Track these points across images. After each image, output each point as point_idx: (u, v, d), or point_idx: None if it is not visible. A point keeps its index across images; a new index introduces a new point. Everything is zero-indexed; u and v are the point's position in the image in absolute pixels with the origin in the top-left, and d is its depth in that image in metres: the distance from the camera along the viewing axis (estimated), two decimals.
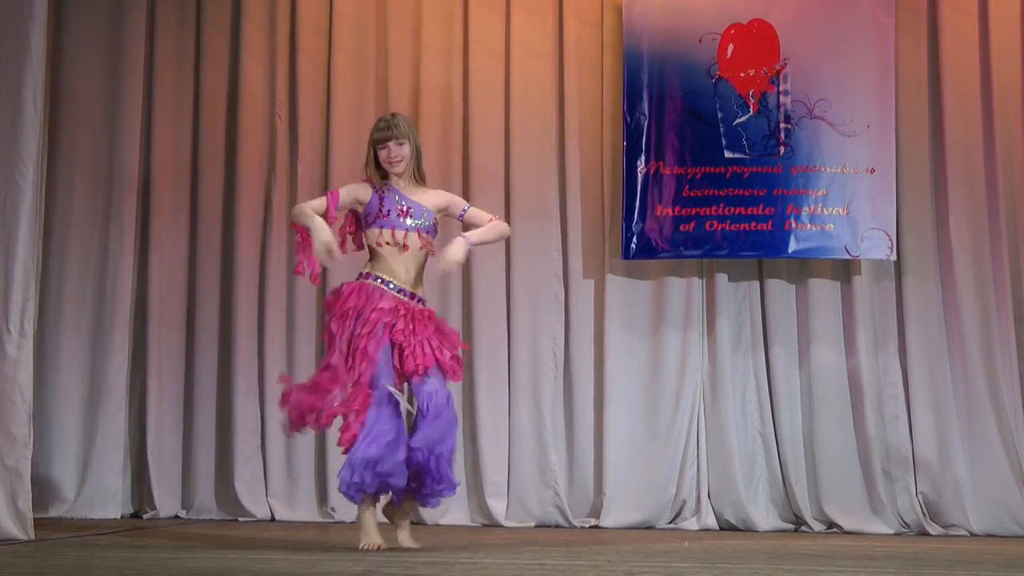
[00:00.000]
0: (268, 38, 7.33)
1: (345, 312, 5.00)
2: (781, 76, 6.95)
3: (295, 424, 4.98)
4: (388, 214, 5.08)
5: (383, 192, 5.13)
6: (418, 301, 5.13)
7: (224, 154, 7.33)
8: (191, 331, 7.28)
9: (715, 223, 6.90)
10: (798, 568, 4.50)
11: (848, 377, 6.91)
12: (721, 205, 6.90)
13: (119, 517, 6.97)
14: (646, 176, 6.98)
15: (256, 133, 7.30)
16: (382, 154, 5.14)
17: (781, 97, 6.93)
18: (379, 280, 5.06)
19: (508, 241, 7.10)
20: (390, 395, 4.93)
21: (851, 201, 6.85)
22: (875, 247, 6.82)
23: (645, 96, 7.00)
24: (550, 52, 7.22)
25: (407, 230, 5.10)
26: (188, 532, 6.09)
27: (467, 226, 5.40)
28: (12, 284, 5.25)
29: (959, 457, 6.80)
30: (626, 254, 6.97)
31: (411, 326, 5.02)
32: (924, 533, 6.67)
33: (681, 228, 6.93)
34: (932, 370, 6.87)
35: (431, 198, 5.24)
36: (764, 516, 6.83)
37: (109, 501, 7.00)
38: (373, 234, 5.11)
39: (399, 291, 5.07)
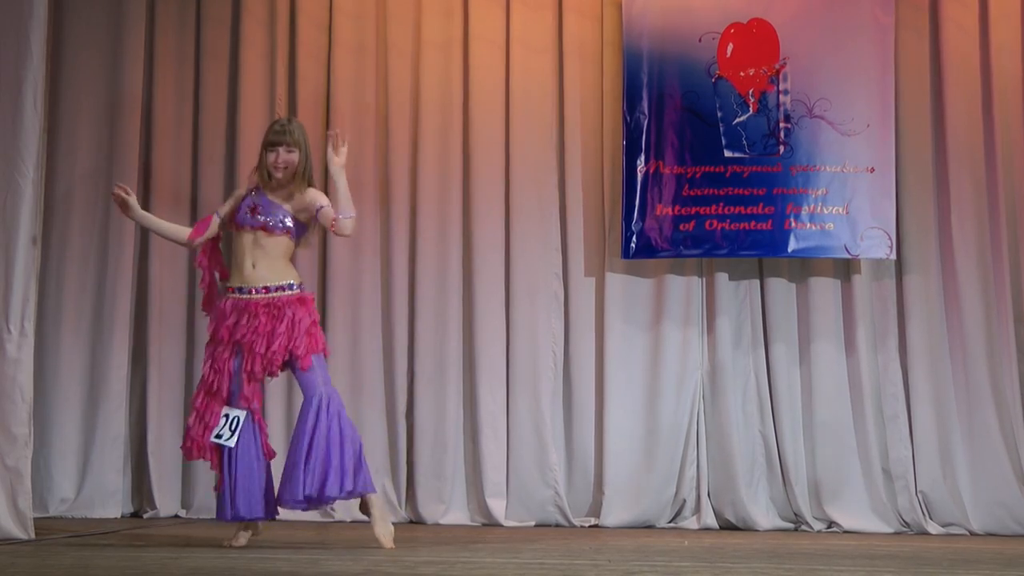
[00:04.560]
0: (268, 33, 7.33)
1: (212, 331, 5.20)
2: (781, 75, 6.95)
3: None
4: (240, 212, 5.20)
5: (252, 194, 5.23)
6: (264, 292, 5.14)
7: (224, 153, 7.34)
8: (191, 331, 7.27)
9: (715, 222, 6.90)
10: (798, 567, 4.50)
11: (848, 376, 6.91)
12: (721, 204, 6.91)
13: (119, 517, 6.97)
14: (646, 175, 6.98)
15: (256, 131, 7.26)
16: (270, 157, 5.18)
17: (781, 96, 6.93)
18: (228, 290, 5.20)
19: (507, 239, 7.12)
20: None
21: (851, 200, 6.85)
22: (875, 246, 6.82)
23: (645, 95, 7.01)
24: (550, 48, 7.22)
25: (255, 227, 5.16)
26: (188, 532, 6.09)
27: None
28: (12, 284, 5.25)
29: (959, 456, 6.80)
30: (626, 253, 6.97)
31: (252, 323, 5.09)
32: (924, 532, 6.66)
33: (681, 227, 6.93)
34: (932, 369, 6.87)
35: (297, 200, 5.21)
36: (764, 515, 6.83)
37: (109, 501, 7.00)
38: (233, 234, 5.27)
39: (238, 290, 5.15)
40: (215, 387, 5.07)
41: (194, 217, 7.31)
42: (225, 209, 5.31)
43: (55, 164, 7.04)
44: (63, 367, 7.06)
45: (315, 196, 5.23)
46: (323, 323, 7.14)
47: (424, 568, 4.24)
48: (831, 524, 6.80)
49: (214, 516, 5.21)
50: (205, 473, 7.18)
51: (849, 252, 6.83)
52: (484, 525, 6.89)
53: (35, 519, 5.34)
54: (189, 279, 7.29)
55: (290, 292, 5.16)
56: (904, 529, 6.74)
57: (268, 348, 5.05)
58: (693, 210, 6.93)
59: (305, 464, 4.95)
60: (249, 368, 5.06)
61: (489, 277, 7.10)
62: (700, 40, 7.00)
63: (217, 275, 5.33)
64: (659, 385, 7.01)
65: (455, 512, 6.95)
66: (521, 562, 4.55)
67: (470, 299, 7.10)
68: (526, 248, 7.12)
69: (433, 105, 7.22)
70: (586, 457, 7.02)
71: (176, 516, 7.11)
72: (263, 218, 5.17)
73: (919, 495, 6.78)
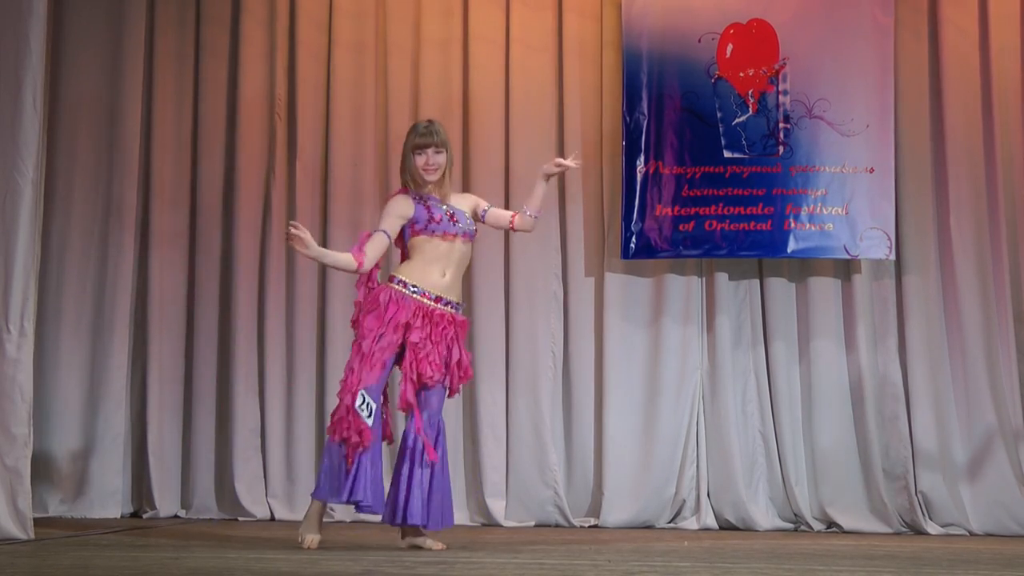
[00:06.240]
0: (267, 33, 7.34)
1: (382, 317, 5.01)
2: (780, 76, 6.95)
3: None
4: (440, 220, 5.08)
5: (427, 202, 5.12)
6: (448, 305, 5.12)
7: (224, 152, 7.34)
8: (191, 331, 7.27)
9: (714, 223, 6.90)
10: (798, 568, 4.50)
11: (848, 376, 6.91)
12: (720, 205, 6.91)
13: (119, 517, 6.97)
14: (645, 176, 6.98)
15: (256, 130, 7.30)
16: (419, 160, 5.10)
17: (780, 97, 6.94)
18: (400, 283, 5.06)
19: (507, 240, 7.11)
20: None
21: (850, 201, 6.85)
22: (874, 247, 6.82)
23: (644, 96, 7.01)
24: (550, 47, 7.22)
25: (457, 234, 5.11)
26: (188, 532, 6.09)
27: (488, 225, 5.36)
28: (12, 283, 5.25)
29: (959, 456, 6.81)
30: (625, 254, 6.97)
31: (434, 332, 5.05)
32: (924, 533, 6.67)
33: (680, 228, 6.93)
34: (932, 369, 6.87)
35: (463, 203, 5.24)
36: (764, 515, 6.83)
37: (109, 501, 7.00)
38: (421, 240, 5.09)
39: (419, 291, 5.06)
40: (371, 366, 4.95)
41: (194, 215, 7.33)
42: (392, 225, 5.07)
43: (55, 164, 7.04)
44: (63, 367, 7.06)
45: (475, 198, 5.27)
46: (324, 324, 7.17)
47: (424, 568, 4.24)
48: (831, 524, 6.80)
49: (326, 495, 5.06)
50: (205, 473, 7.19)
51: (848, 252, 6.84)
52: (484, 525, 6.89)
53: (35, 519, 5.34)
54: (189, 279, 7.30)
55: (462, 314, 5.19)
56: (904, 530, 6.75)
57: (442, 362, 5.04)
58: (693, 210, 6.93)
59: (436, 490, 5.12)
60: (417, 373, 5.00)
61: (489, 277, 7.10)
62: (700, 40, 7.00)
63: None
64: (659, 385, 7.01)
65: (455, 512, 6.92)
66: (521, 562, 4.56)
67: (470, 299, 7.09)
68: (525, 248, 7.11)
69: (433, 104, 7.21)
70: (586, 457, 7.02)
71: (176, 516, 7.12)
72: (461, 225, 5.11)
73: (919, 495, 6.78)
